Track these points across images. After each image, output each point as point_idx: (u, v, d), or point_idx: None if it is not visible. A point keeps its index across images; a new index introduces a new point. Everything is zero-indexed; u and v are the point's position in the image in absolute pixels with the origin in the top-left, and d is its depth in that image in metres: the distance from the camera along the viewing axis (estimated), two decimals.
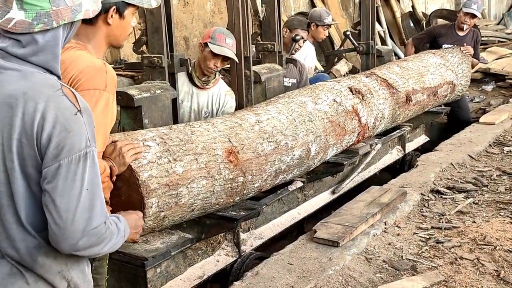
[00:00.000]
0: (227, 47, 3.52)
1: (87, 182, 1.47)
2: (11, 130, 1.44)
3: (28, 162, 1.46)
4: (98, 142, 1.97)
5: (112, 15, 2.15)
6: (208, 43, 3.52)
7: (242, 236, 3.35)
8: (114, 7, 2.15)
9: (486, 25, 11.72)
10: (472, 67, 6.32)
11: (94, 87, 1.97)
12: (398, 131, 5.01)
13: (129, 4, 2.19)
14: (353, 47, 5.77)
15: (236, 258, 3.22)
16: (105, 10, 2.13)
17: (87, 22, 2.13)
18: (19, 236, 1.50)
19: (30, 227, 1.50)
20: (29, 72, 1.50)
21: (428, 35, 6.38)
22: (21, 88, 1.47)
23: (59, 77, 1.59)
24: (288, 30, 4.89)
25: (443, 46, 6.06)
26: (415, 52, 6.12)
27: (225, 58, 3.57)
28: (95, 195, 1.49)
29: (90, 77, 1.97)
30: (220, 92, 3.76)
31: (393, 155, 5.17)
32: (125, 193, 2.40)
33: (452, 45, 5.98)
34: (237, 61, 3.71)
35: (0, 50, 1.50)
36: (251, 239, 3.43)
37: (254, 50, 4.36)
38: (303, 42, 4.93)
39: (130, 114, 3.12)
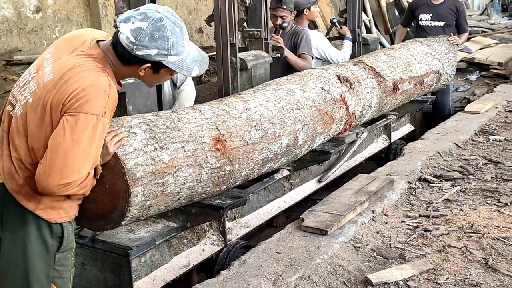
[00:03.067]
0: None
1: None
2: None
3: None
4: (89, 167, 1.96)
5: (146, 69, 2.07)
6: None
7: (228, 225, 3.31)
8: (149, 65, 2.05)
9: (469, 15, 11.77)
10: (466, 40, 6.23)
11: (93, 112, 1.89)
12: (384, 120, 5.00)
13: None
14: (340, 35, 5.72)
15: (222, 247, 3.19)
16: (139, 62, 2.03)
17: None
18: None
19: None
20: None
21: (409, 11, 6.42)
22: None
23: None
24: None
25: (420, 17, 6.06)
26: (407, 37, 6.13)
27: None
28: None
29: (90, 99, 1.89)
30: None
31: (379, 144, 5.16)
32: (110, 181, 2.32)
33: (429, 14, 5.96)
34: None
35: None
36: (237, 227, 3.40)
37: (240, 37, 4.30)
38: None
39: None
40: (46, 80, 1.98)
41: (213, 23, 3.85)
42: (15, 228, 2.02)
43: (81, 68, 1.95)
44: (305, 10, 5.14)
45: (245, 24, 4.33)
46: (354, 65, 4.46)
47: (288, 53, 4.58)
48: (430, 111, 6.31)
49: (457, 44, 5.79)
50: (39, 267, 2.02)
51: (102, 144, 2.00)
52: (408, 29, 6.53)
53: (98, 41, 2.08)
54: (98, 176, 2.12)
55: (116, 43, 2.02)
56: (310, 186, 4.15)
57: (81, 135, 1.87)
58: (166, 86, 3.75)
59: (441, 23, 5.97)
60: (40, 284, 2.03)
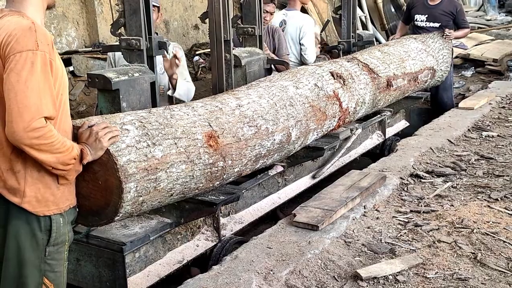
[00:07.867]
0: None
1: None
2: None
3: None
4: (47, 105, 1.94)
5: None
6: None
7: (222, 220, 3.35)
8: None
9: (466, 11, 11.78)
10: (464, 36, 6.37)
11: (26, 48, 1.91)
12: (378, 116, 5.03)
13: None
14: (334, 46, 5.75)
15: (216, 243, 3.22)
16: None
17: None
18: None
19: None
20: None
21: (406, 10, 6.47)
22: None
23: None
24: None
25: (416, 17, 6.10)
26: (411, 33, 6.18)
27: None
28: None
29: (19, 39, 1.92)
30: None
31: (374, 140, 5.20)
32: (103, 177, 2.35)
33: (425, 15, 6.01)
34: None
35: None
36: (231, 223, 3.43)
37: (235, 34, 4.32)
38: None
39: (108, 97, 3.08)
40: None
41: (207, 20, 3.87)
42: (5, 223, 2.05)
43: (2, 25, 1.98)
44: None
45: (239, 21, 4.35)
46: (348, 61, 4.49)
47: None
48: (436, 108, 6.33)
49: (452, 37, 5.81)
50: (30, 261, 2.05)
51: (50, 78, 1.98)
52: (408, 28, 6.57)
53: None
54: (85, 162, 2.14)
55: None
56: (304, 182, 4.18)
57: (23, 73, 1.90)
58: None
59: (437, 25, 5.97)
60: (33, 278, 2.06)
